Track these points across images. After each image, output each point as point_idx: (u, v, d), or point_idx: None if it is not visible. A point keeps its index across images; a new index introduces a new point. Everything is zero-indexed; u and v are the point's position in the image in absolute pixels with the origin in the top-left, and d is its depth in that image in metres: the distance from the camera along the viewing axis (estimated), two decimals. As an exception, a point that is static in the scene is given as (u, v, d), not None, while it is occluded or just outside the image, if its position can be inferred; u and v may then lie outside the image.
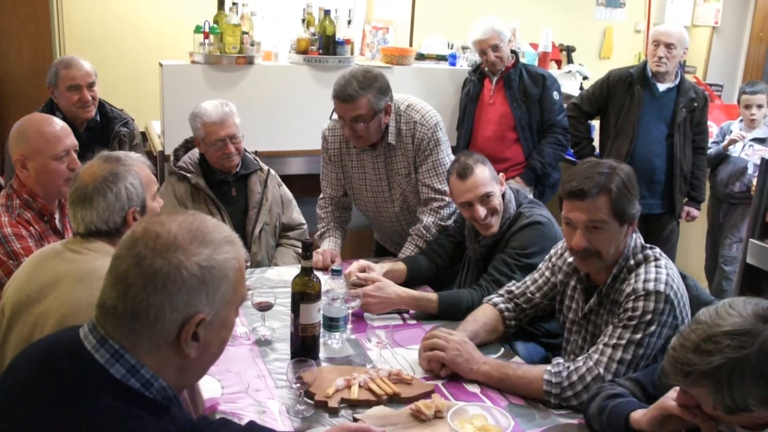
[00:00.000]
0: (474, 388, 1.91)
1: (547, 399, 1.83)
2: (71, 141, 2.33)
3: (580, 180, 1.86)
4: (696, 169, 3.90)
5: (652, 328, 1.80)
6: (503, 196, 2.46)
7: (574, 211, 1.88)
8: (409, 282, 2.51)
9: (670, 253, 3.93)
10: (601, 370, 1.81)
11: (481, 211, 2.39)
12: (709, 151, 4.06)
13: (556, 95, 3.88)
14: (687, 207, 3.96)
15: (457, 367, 1.95)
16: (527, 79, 3.86)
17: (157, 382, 1.13)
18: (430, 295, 2.39)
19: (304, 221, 3.10)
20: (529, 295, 2.21)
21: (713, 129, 4.29)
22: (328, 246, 2.87)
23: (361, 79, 2.58)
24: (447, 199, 2.73)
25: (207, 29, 3.64)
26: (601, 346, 1.85)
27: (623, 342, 1.81)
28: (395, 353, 2.09)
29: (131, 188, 1.79)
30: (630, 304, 1.83)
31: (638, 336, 1.80)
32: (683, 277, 2.02)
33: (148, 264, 1.10)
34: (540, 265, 2.23)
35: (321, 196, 3.01)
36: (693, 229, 4.41)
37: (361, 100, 2.56)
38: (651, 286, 1.82)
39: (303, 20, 3.94)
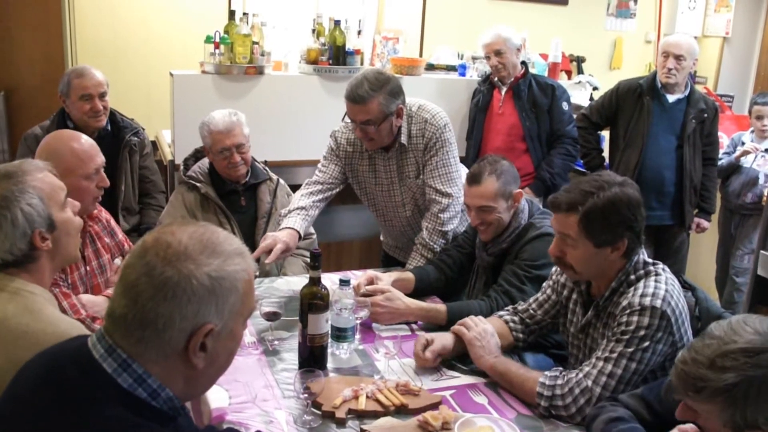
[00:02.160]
0: (482, 400, 1.90)
1: (538, 402, 1.83)
2: (101, 159, 2.29)
3: (564, 192, 1.90)
4: (706, 181, 3.88)
5: (646, 344, 1.78)
6: (515, 207, 2.46)
7: (553, 219, 1.94)
8: (417, 293, 2.51)
9: (680, 264, 3.91)
10: (590, 383, 1.79)
11: (475, 219, 2.45)
12: (720, 162, 4.04)
13: (565, 106, 3.88)
14: (697, 218, 3.94)
15: (472, 349, 2.03)
16: (536, 90, 3.86)
17: (164, 392, 1.13)
18: (438, 306, 2.38)
19: (313, 231, 3.08)
20: (531, 311, 2.21)
21: (724, 140, 4.27)
22: (294, 223, 2.64)
23: (373, 80, 2.58)
24: (446, 201, 2.73)
25: (217, 39, 3.66)
26: (593, 360, 1.84)
27: (614, 356, 1.80)
28: (403, 364, 2.09)
29: (29, 209, 1.62)
30: (624, 318, 1.82)
31: (630, 350, 1.78)
32: (692, 288, 2.01)
33: (159, 273, 1.10)
34: (543, 284, 2.24)
35: (308, 181, 2.85)
36: (703, 241, 4.38)
37: (372, 102, 2.56)
38: (647, 301, 1.80)
39: (313, 30, 3.96)
